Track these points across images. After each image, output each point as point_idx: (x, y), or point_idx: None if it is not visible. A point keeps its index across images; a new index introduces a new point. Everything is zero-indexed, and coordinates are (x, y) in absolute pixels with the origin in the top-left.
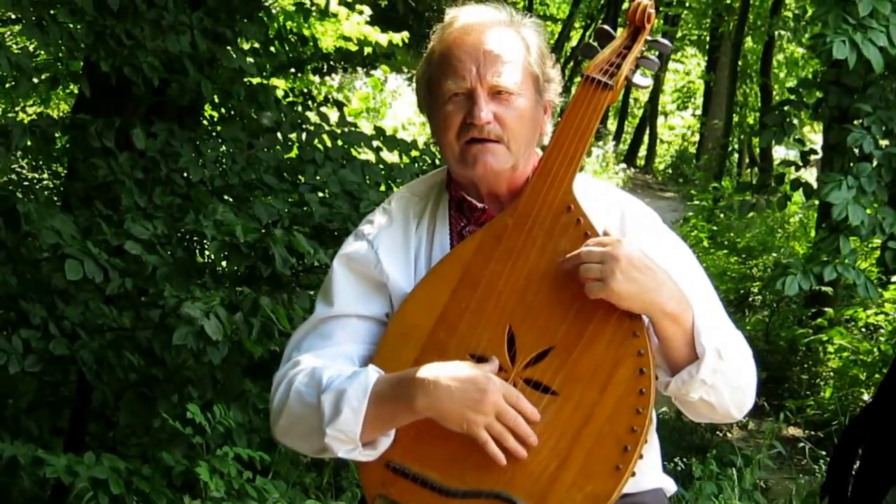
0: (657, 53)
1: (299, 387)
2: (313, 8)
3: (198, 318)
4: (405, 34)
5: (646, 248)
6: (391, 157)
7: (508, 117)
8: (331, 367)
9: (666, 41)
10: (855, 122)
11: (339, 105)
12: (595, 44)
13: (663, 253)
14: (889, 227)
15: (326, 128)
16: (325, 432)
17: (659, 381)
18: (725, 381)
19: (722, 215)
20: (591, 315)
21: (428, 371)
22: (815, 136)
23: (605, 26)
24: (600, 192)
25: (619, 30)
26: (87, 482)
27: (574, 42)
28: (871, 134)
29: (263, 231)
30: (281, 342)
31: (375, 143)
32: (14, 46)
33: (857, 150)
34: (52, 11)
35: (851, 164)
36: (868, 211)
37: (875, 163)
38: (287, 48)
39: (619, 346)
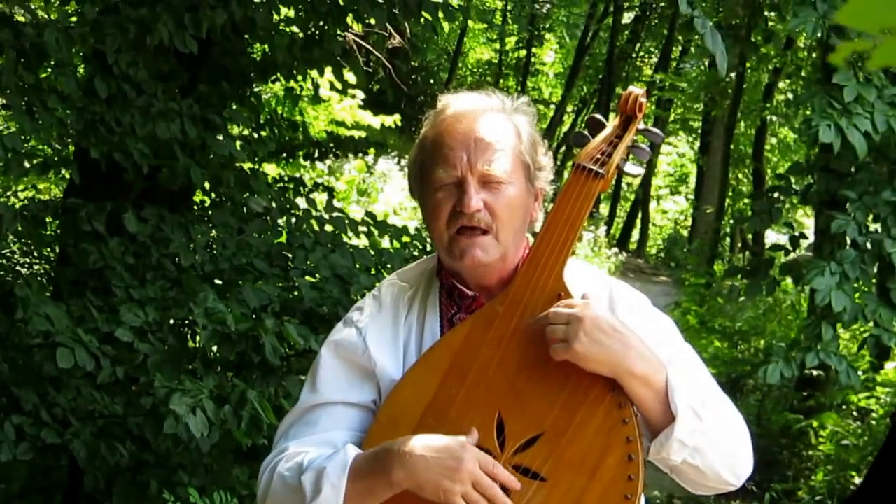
0: (649, 143)
1: (281, 471)
2: (303, 93)
3: (183, 416)
4: (397, 117)
5: (632, 326)
6: (382, 241)
7: (498, 206)
8: (312, 452)
9: (657, 131)
10: (848, 206)
11: (329, 190)
12: (586, 132)
13: (648, 328)
14: (871, 314)
15: (315, 213)
16: None
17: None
18: (709, 442)
19: (720, 300)
20: (580, 401)
21: (404, 443)
22: (808, 221)
23: (597, 115)
24: (590, 278)
25: (612, 116)
26: None
27: (566, 126)
28: (855, 220)
29: (255, 318)
30: (269, 434)
31: (365, 229)
32: (5, 130)
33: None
34: (41, 98)
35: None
36: (856, 296)
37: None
38: (278, 133)
39: (609, 432)
